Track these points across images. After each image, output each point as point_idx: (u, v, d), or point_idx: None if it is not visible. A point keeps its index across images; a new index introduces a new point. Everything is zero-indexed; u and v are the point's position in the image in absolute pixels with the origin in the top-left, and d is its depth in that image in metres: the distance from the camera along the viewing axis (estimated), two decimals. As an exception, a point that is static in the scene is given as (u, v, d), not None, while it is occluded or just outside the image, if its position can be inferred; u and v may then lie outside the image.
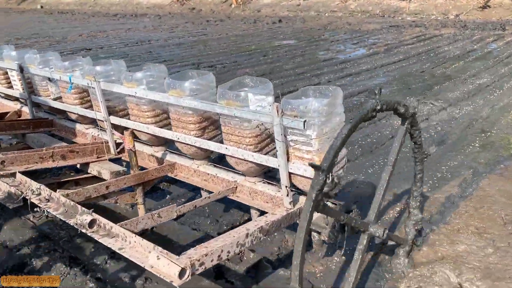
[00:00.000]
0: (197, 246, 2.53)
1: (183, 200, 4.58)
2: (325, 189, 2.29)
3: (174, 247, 3.65)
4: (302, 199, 3.15)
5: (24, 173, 3.65)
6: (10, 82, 5.48)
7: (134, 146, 3.71)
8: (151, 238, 3.81)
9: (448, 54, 12.21)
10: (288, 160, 3.04)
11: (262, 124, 3.19)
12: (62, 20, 27.72)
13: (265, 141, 3.27)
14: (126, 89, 3.90)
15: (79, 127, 4.85)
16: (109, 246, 2.67)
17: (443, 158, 5.37)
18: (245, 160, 3.26)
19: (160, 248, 2.48)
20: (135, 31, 20.75)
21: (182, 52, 14.27)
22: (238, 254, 3.57)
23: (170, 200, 4.61)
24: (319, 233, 3.11)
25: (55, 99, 4.89)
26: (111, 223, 2.80)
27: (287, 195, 3.05)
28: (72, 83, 4.40)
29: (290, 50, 13.88)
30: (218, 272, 3.41)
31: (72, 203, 3.06)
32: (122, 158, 4.35)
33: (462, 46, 13.30)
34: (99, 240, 2.73)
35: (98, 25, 24.04)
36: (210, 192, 3.57)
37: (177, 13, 29.01)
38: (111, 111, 4.29)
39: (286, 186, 3.03)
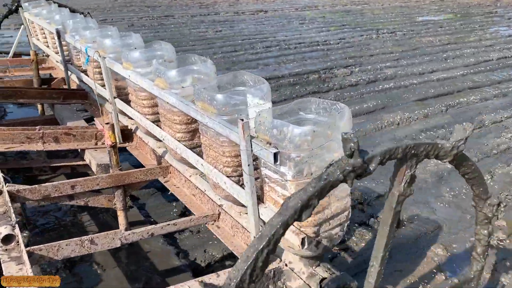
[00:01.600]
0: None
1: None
2: None
3: (135, 276, 2.98)
4: (284, 255, 2.21)
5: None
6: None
7: (116, 142, 3.07)
8: (126, 253, 3.21)
9: None
10: (262, 200, 2.13)
11: (246, 140, 2.29)
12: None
13: (248, 164, 2.36)
14: (122, 70, 3.25)
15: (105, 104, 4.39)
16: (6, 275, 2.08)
17: None
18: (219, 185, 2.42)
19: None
20: (296, -3, 21.73)
21: (355, 19, 14.80)
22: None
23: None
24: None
25: (83, 71, 4.48)
26: (22, 246, 2.21)
27: (256, 249, 2.14)
28: (88, 55, 3.89)
29: (465, 23, 13.59)
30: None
31: (9, 205, 2.53)
32: (128, 148, 3.78)
33: None
34: (2, 265, 2.15)
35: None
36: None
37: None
38: (120, 93, 3.71)
39: (255, 237, 2.12)
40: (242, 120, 1.93)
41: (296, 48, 10.25)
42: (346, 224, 2.07)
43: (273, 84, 7.20)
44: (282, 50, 10.04)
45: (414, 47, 10.48)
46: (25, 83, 5.19)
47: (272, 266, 2.20)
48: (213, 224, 2.69)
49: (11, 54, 6.16)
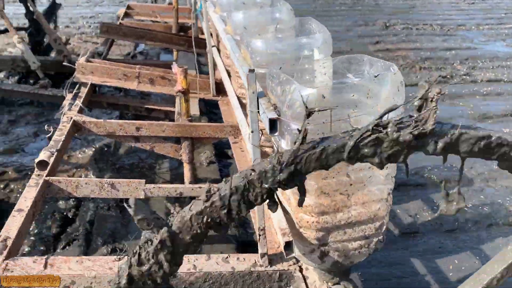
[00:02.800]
0: None
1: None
2: None
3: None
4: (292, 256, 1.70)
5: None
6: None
7: (188, 89, 2.86)
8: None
9: None
10: (274, 181, 1.63)
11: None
12: None
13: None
14: (213, 14, 2.98)
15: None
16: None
17: None
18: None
19: None
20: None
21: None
22: None
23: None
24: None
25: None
26: (44, 175, 2.18)
27: (259, 241, 1.69)
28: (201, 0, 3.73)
29: None
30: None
31: (65, 133, 2.56)
32: (219, 102, 3.56)
33: None
34: (26, 188, 2.15)
35: None
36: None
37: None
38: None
39: (259, 227, 1.65)
40: (253, 71, 1.45)
41: None
42: (376, 240, 1.44)
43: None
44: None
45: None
46: (164, 28, 5.38)
47: (281, 266, 1.72)
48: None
49: (167, 2, 6.50)
